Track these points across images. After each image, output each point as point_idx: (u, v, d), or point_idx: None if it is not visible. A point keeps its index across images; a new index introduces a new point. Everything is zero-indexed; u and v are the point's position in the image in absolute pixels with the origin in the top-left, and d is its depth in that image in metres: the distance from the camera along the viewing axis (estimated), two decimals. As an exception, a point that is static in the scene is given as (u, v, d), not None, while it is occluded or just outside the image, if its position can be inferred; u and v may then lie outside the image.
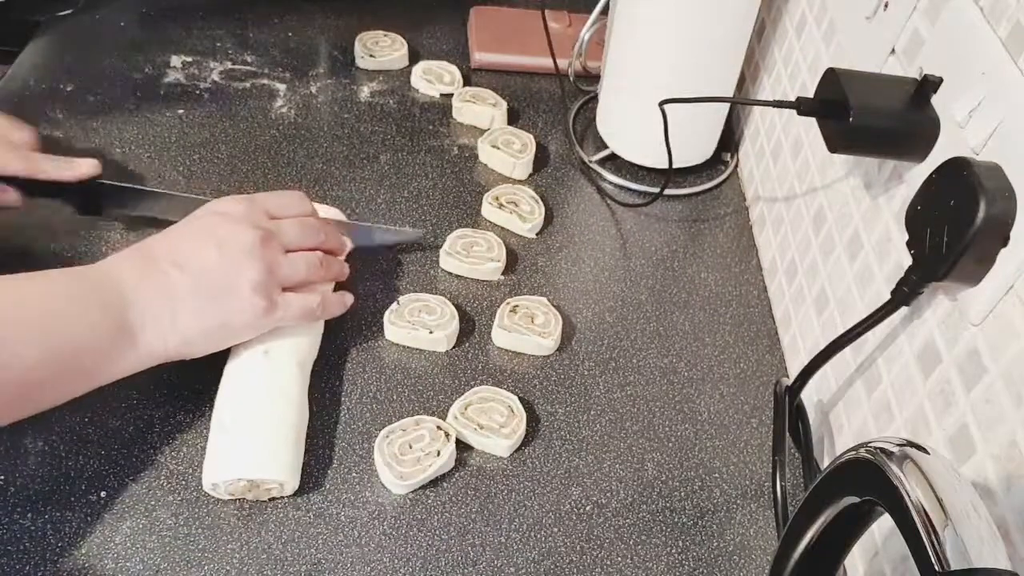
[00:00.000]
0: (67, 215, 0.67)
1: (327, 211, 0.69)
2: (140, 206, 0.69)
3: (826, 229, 0.65)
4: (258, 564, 0.53)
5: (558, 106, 0.88)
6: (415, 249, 0.73)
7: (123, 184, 0.69)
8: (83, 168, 0.66)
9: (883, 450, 0.34)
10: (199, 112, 0.81)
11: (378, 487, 0.58)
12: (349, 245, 0.68)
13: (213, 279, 0.55)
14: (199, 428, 0.59)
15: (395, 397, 0.63)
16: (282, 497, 0.56)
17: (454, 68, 0.88)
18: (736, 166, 0.86)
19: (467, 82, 0.88)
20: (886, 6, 0.58)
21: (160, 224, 0.67)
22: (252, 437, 0.56)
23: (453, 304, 0.67)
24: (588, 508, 0.59)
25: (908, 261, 0.49)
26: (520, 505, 0.58)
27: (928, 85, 0.51)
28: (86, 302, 0.52)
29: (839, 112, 0.52)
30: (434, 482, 0.59)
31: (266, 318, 0.57)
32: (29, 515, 0.53)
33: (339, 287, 0.65)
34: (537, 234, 0.76)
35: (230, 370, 0.59)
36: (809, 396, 0.63)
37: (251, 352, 0.59)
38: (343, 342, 0.65)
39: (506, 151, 0.80)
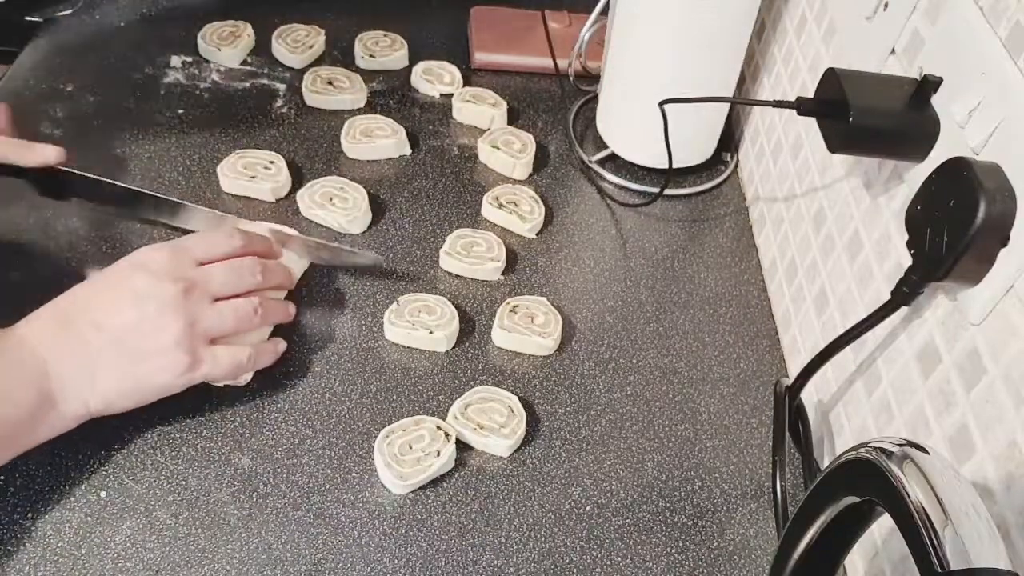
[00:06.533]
0: (28, 196, 0.66)
1: (282, 229, 0.67)
2: (104, 198, 0.67)
3: (826, 229, 0.65)
4: (258, 564, 0.53)
5: (558, 106, 0.88)
6: (415, 249, 0.73)
7: (87, 174, 0.66)
8: (45, 153, 0.62)
9: (883, 450, 0.34)
10: (199, 112, 0.81)
11: (378, 487, 0.58)
12: (296, 277, 0.66)
13: (132, 339, 0.53)
14: (199, 429, 0.59)
15: (395, 397, 0.63)
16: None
17: (454, 68, 0.88)
18: (736, 166, 0.86)
19: (467, 82, 0.88)
20: (886, 6, 0.58)
21: (125, 219, 0.70)
22: None
23: (453, 304, 0.67)
24: (588, 508, 0.59)
25: (908, 261, 0.49)
26: (520, 505, 0.58)
27: (928, 85, 0.51)
28: (5, 375, 0.50)
29: (839, 112, 0.52)
30: (434, 482, 0.59)
31: (190, 374, 0.55)
32: (29, 515, 0.53)
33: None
34: (537, 234, 0.76)
35: None
36: (809, 396, 0.63)
37: None
38: (343, 342, 0.66)
39: (506, 151, 0.80)
